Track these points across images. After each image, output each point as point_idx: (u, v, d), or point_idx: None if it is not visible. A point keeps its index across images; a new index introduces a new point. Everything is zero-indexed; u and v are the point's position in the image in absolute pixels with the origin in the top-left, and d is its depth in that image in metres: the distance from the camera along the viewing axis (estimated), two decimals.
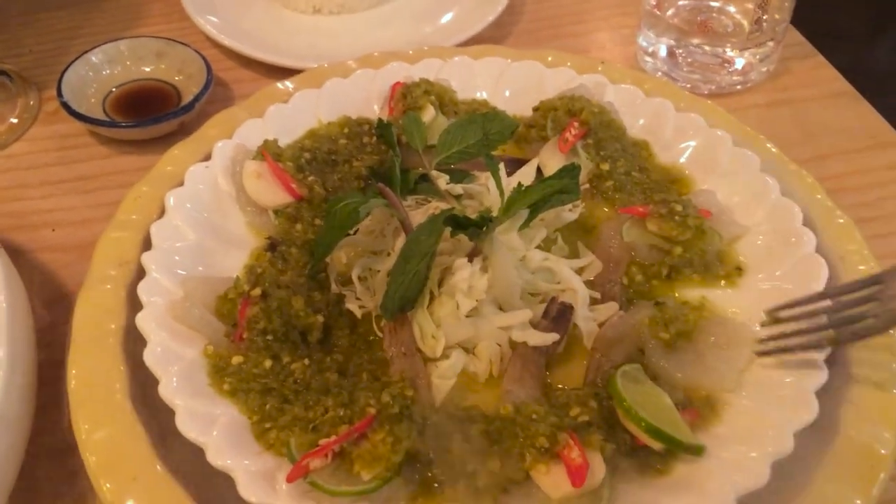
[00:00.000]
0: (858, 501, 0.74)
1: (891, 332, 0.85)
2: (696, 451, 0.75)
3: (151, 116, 1.17)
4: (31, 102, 1.27)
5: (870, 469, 0.76)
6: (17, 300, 0.83)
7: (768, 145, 1.05)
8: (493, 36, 1.39)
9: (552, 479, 0.72)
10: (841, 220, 0.97)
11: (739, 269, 0.94)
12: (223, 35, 1.33)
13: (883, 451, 0.77)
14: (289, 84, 1.14)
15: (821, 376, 0.80)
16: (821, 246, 0.93)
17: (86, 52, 1.25)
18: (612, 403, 0.79)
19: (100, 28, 1.43)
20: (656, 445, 0.75)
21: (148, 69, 1.29)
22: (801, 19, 1.38)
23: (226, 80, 1.32)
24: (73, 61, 1.24)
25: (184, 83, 1.27)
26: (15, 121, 1.24)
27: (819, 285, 0.88)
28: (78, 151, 1.21)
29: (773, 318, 0.85)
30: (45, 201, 1.14)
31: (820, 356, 0.81)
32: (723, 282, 0.93)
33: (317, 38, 1.39)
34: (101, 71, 1.26)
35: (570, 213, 0.98)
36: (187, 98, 1.22)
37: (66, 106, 1.17)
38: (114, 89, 1.26)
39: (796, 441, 0.75)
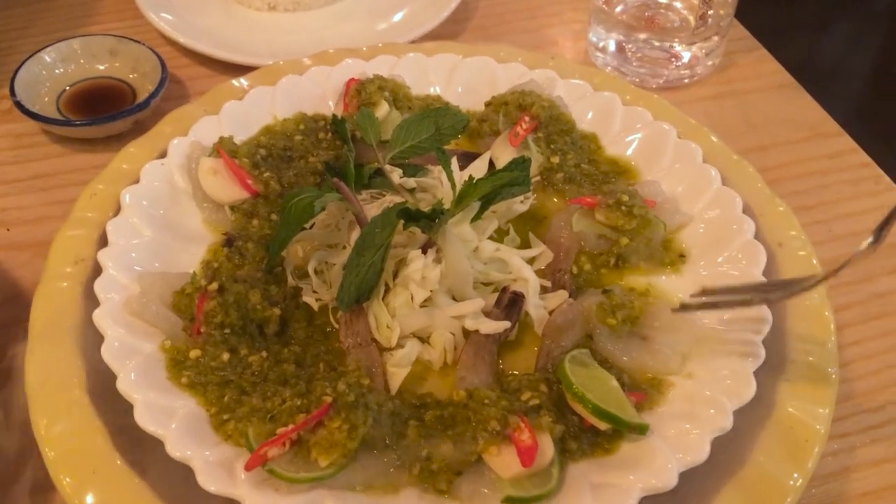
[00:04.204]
0: (795, 474, 0.78)
1: (826, 312, 0.90)
2: (641, 429, 0.78)
3: (106, 114, 1.17)
4: None
5: (805, 443, 0.80)
6: None
7: (712, 137, 1.09)
8: (447, 32, 1.41)
9: (503, 461, 0.75)
10: (780, 208, 1.01)
11: (683, 257, 0.97)
12: (177, 32, 1.33)
13: (818, 427, 0.81)
14: (244, 81, 1.14)
15: (758, 357, 0.83)
16: (760, 233, 0.97)
17: (38, 50, 1.25)
18: (562, 387, 0.82)
19: (51, 26, 1.42)
20: (603, 426, 0.79)
21: (102, 67, 1.28)
22: (749, 14, 1.42)
23: (181, 77, 1.33)
24: (25, 60, 1.23)
25: (138, 81, 1.27)
26: None
27: (758, 270, 0.92)
28: (32, 150, 1.20)
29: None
30: None
31: (757, 333, 0.85)
32: (667, 269, 0.97)
33: (272, 34, 1.39)
34: (55, 69, 1.26)
35: (521, 204, 1.01)
36: (142, 96, 1.22)
37: (19, 105, 1.17)
38: (67, 88, 1.26)
39: (735, 418, 0.79)
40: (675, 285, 0.95)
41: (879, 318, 1.03)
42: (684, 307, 0.83)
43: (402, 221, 0.88)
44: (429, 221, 0.88)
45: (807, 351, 0.87)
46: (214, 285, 0.86)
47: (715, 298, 0.82)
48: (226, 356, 0.83)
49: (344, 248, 0.94)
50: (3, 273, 1.04)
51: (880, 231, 0.74)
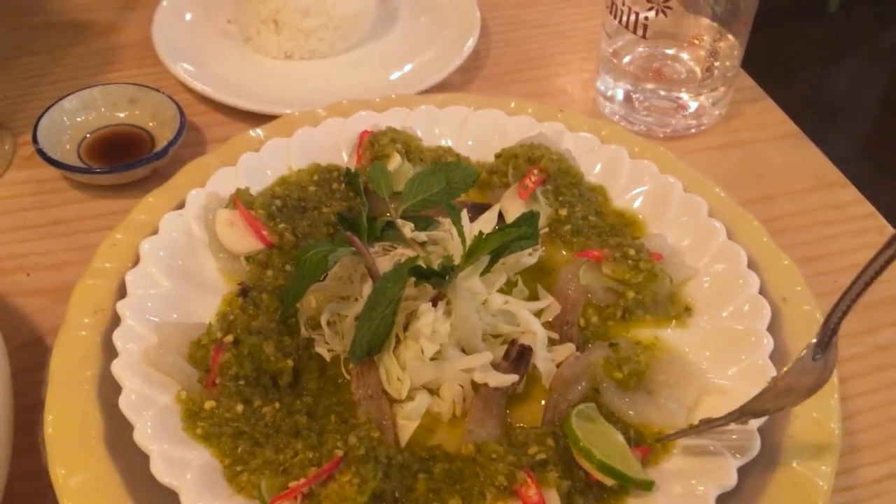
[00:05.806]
0: None
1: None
2: (646, 486, 0.80)
3: (125, 162, 1.20)
4: (7, 147, 1.29)
5: (808, 499, 0.81)
6: None
7: (717, 190, 1.11)
8: (460, 80, 1.44)
9: None
10: (785, 262, 1.02)
11: (689, 310, 0.99)
12: (196, 81, 1.36)
13: (821, 483, 0.82)
14: (260, 132, 1.18)
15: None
16: (765, 287, 0.99)
17: (60, 98, 1.28)
18: (568, 441, 0.83)
19: (72, 73, 1.45)
20: (608, 481, 0.80)
21: (122, 115, 1.32)
22: (756, 53, 1.43)
23: (198, 124, 1.36)
24: (47, 108, 1.26)
25: (157, 128, 1.30)
26: None
27: (763, 325, 0.94)
28: (53, 196, 1.23)
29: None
30: (19, 246, 1.16)
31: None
32: (673, 322, 0.98)
33: (288, 83, 1.43)
34: (76, 117, 1.29)
35: (529, 257, 1.03)
36: (161, 143, 1.26)
37: (41, 153, 1.20)
38: (88, 135, 1.29)
39: (740, 474, 0.80)
40: (681, 338, 0.97)
41: (883, 370, 1.04)
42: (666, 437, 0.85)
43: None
44: (439, 278, 0.90)
45: (810, 406, 0.87)
46: (230, 337, 0.88)
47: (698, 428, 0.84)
48: (240, 407, 0.85)
49: (356, 300, 0.96)
50: (23, 318, 1.06)
51: (826, 345, 0.74)
